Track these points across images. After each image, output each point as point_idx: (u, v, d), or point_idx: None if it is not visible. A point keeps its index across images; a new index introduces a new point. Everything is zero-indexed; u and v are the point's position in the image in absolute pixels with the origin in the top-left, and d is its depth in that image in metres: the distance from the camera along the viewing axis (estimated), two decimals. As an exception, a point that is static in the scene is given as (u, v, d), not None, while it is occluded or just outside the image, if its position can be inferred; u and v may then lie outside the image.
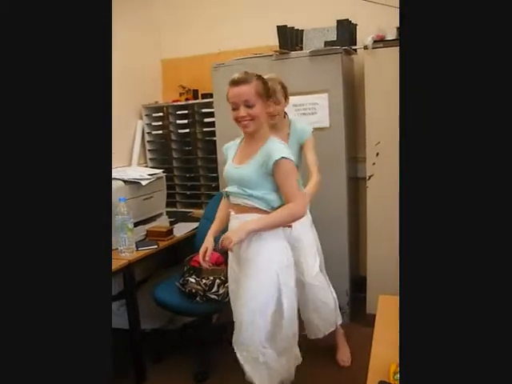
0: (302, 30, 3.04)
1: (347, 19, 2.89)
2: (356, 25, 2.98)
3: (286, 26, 3.00)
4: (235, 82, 1.73)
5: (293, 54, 2.89)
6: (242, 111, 1.72)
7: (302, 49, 3.00)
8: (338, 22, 2.88)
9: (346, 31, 2.88)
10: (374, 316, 1.60)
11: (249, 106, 1.72)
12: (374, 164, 2.81)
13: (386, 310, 1.58)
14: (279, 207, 1.76)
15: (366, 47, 2.71)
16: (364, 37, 2.75)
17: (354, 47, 2.96)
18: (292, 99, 2.33)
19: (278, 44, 3.02)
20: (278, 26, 3.01)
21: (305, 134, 2.27)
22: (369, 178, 2.86)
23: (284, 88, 2.23)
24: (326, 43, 2.88)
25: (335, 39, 2.88)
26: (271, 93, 1.88)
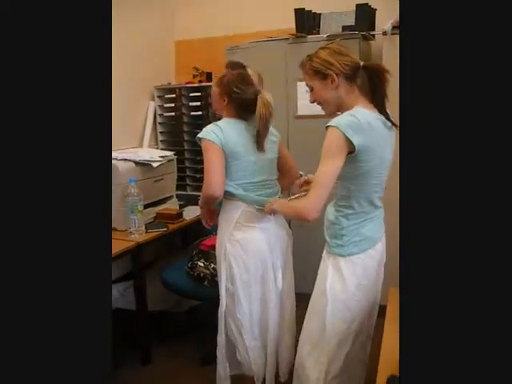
0: (320, 14, 2.97)
1: (366, 3, 2.83)
2: (375, 9, 2.91)
3: (303, 9, 2.94)
4: None
5: (309, 37, 2.84)
6: None
7: (318, 33, 2.94)
8: (357, 6, 2.81)
9: (365, 16, 2.81)
10: (385, 307, 1.58)
11: None
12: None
13: (397, 302, 1.56)
14: None
15: (384, 33, 2.63)
16: (383, 22, 2.67)
17: (372, 33, 2.89)
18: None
19: (293, 27, 2.96)
20: (295, 9, 2.94)
21: None
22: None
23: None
24: (344, 28, 2.81)
25: (353, 24, 2.81)
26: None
